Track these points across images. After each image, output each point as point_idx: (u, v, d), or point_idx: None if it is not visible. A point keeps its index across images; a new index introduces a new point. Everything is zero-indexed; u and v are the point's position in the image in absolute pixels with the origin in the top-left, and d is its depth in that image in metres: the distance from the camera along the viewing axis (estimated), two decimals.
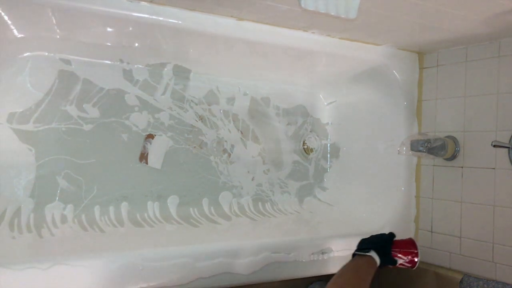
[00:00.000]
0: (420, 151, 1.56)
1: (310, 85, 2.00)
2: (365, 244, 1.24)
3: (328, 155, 2.08)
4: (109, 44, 1.44)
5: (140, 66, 1.62)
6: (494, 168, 1.49)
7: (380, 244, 1.24)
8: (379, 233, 1.33)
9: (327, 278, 1.12)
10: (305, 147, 2.03)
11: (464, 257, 1.56)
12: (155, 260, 1.23)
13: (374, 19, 1.36)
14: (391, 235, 1.31)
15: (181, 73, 1.70)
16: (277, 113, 1.95)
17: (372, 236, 1.30)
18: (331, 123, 2.07)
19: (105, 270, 1.17)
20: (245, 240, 1.50)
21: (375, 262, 1.18)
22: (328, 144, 2.08)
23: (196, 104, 1.75)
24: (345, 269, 1.13)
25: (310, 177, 2.03)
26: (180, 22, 1.34)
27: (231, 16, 1.39)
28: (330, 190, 2.03)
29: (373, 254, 1.19)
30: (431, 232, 1.68)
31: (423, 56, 1.74)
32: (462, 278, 1.54)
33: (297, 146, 2.01)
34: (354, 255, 1.22)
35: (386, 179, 1.80)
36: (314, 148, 2.05)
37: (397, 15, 1.31)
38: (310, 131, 2.04)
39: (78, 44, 1.44)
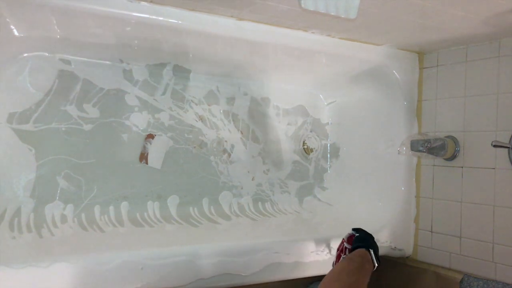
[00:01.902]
0: (420, 151, 1.56)
1: (310, 85, 2.00)
2: (364, 241, 1.19)
3: (328, 155, 2.08)
4: (109, 44, 1.44)
5: (140, 66, 1.62)
6: (494, 168, 1.49)
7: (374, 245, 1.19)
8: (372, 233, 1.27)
9: None
10: (305, 147, 2.03)
11: (464, 257, 1.56)
12: (155, 260, 1.23)
13: (374, 19, 1.36)
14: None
15: (181, 73, 1.70)
16: (277, 113, 1.95)
17: (364, 232, 1.24)
18: (331, 123, 2.07)
19: (105, 270, 1.17)
20: (245, 240, 1.51)
21: (374, 266, 1.12)
22: (328, 144, 2.08)
23: (196, 104, 1.75)
24: (353, 266, 1.06)
25: (310, 177, 2.03)
26: (180, 22, 1.34)
27: (231, 16, 1.39)
28: (330, 190, 2.03)
29: (376, 262, 1.12)
30: (431, 232, 1.68)
31: (423, 56, 1.74)
32: (462, 278, 1.54)
33: (297, 146, 2.01)
34: (357, 247, 1.15)
35: (386, 179, 1.80)
36: (314, 148, 2.05)
37: (397, 15, 1.31)
38: (310, 131, 2.04)
39: (78, 44, 1.44)
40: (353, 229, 1.28)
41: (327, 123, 2.07)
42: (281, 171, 1.96)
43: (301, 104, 2.01)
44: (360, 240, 1.21)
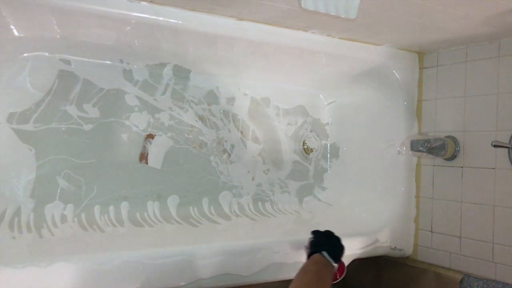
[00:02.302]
0: (420, 151, 1.56)
1: (310, 85, 2.00)
2: (317, 246, 1.15)
3: (328, 155, 2.08)
4: (109, 44, 1.44)
5: (140, 66, 1.62)
6: (494, 168, 1.49)
7: (336, 250, 1.15)
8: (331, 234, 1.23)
9: None
10: (305, 147, 2.03)
11: (464, 257, 1.56)
12: (155, 260, 1.23)
13: (374, 19, 1.36)
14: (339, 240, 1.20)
15: (181, 73, 1.70)
16: (277, 113, 1.95)
17: (318, 235, 1.19)
18: (331, 123, 2.07)
19: (105, 270, 1.17)
20: (245, 240, 1.50)
21: (333, 269, 1.09)
22: (328, 144, 2.08)
23: (196, 104, 1.75)
24: (309, 276, 1.02)
25: (310, 177, 2.03)
26: (180, 22, 1.34)
27: (231, 16, 1.39)
28: (330, 190, 2.03)
29: (332, 262, 1.10)
30: (431, 232, 1.68)
31: (423, 56, 1.74)
32: (462, 278, 1.54)
33: (297, 146, 2.01)
34: (312, 252, 1.11)
35: (386, 179, 1.80)
36: (314, 148, 2.05)
37: (397, 15, 1.31)
38: (310, 131, 2.04)
39: (78, 44, 1.44)
40: (311, 232, 1.23)
41: (327, 123, 2.08)
42: (281, 171, 1.96)
43: (301, 104, 2.01)
44: (313, 245, 1.16)
